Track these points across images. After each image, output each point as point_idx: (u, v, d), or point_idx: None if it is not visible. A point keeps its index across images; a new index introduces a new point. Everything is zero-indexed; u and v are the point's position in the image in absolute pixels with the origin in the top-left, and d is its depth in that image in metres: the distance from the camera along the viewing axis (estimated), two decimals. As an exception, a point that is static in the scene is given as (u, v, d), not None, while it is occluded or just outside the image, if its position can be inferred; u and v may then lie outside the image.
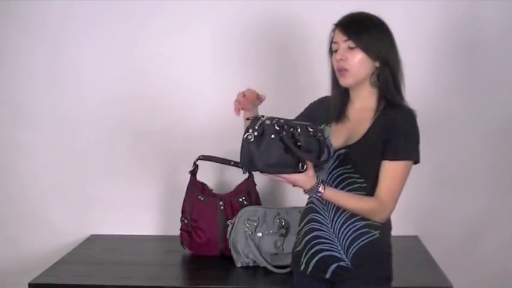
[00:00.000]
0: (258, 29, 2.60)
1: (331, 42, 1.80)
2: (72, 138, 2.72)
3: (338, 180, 1.77)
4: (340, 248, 1.77)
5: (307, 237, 1.83)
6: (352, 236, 1.76)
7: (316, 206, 1.83)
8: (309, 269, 1.82)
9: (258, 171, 1.64)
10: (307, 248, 1.83)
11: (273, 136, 1.59)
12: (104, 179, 2.73)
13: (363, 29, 1.74)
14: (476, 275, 2.64)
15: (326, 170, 1.79)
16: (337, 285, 1.80)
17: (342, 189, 1.76)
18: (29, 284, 2.20)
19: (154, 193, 2.74)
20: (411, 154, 1.73)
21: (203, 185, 2.51)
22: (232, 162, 2.49)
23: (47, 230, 2.75)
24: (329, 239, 1.79)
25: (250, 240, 2.31)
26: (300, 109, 1.99)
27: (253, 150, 1.59)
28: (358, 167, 1.75)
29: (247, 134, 1.60)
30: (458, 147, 2.64)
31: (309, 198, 1.88)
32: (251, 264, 2.34)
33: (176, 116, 2.68)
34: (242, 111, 1.84)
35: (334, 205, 1.77)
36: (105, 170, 2.73)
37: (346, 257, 1.77)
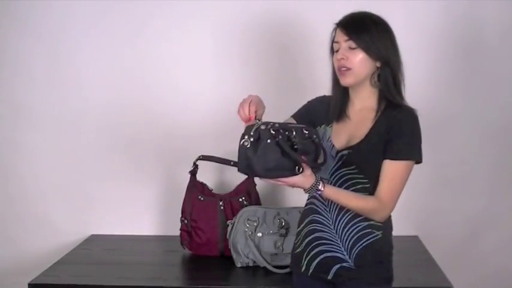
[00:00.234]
0: (259, 29, 2.60)
1: (333, 41, 1.80)
2: (72, 138, 2.72)
3: (341, 181, 1.77)
4: (343, 248, 1.77)
5: (309, 239, 1.83)
6: (356, 237, 1.76)
7: (317, 206, 1.83)
8: (311, 270, 1.82)
9: (256, 177, 1.65)
10: (309, 249, 1.82)
11: (269, 141, 1.59)
12: (103, 179, 2.73)
13: (364, 29, 1.73)
14: (476, 275, 2.65)
15: (329, 171, 1.79)
16: (338, 286, 1.80)
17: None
18: (29, 284, 2.19)
19: (154, 193, 2.74)
20: (412, 154, 1.73)
21: (203, 185, 2.51)
22: (232, 162, 2.48)
23: (47, 230, 2.75)
24: (331, 240, 1.79)
25: (250, 240, 2.31)
26: (301, 109, 1.99)
27: (250, 155, 1.60)
28: (362, 167, 1.75)
29: (243, 140, 1.61)
30: (458, 147, 2.64)
31: (308, 199, 1.88)
32: (251, 264, 2.34)
33: (176, 116, 2.68)
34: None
35: (337, 205, 1.77)
36: (105, 170, 2.73)
37: (349, 258, 1.77)
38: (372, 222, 1.76)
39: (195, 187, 2.48)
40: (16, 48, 2.68)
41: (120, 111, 2.68)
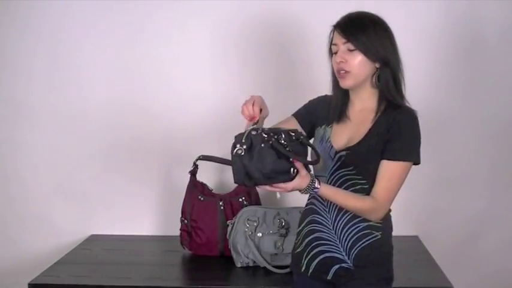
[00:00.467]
0: (257, 29, 2.60)
1: (331, 43, 1.80)
2: (72, 138, 2.72)
3: (340, 181, 1.77)
4: (342, 249, 1.77)
5: (308, 239, 1.83)
6: (355, 238, 1.76)
7: (316, 207, 1.83)
8: (310, 270, 1.82)
9: (253, 185, 1.63)
10: (308, 249, 1.82)
11: (263, 145, 1.59)
12: (104, 179, 2.73)
13: (361, 31, 1.72)
14: (476, 275, 2.65)
15: (328, 172, 1.79)
16: (338, 286, 1.80)
17: None
18: (29, 284, 2.20)
19: (154, 193, 2.74)
20: (410, 155, 1.73)
21: (203, 185, 2.51)
22: (232, 163, 2.48)
23: (47, 230, 2.75)
24: (330, 241, 1.79)
25: (250, 240, 2.31)
26: (300, 110, 1.99)
27: (246, 163, 1.59)
28: (360, 168, 1.75)
29: (236, 149, 1.59)
30: (458, 147, 2.64)
31: (308, 199, 1.88)
32: (251, 264, 2.34)
33: (176, 116, 2.67)
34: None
35: (336, 206, 1.77)
36: (105, 170, 2.73)
37: (348, 259, 1.77)
38: (371, 223, 1.76)
39: (195, 187, 2.48)
40: (16, 48, 2.68)
41: (120, 111, 2.68)
